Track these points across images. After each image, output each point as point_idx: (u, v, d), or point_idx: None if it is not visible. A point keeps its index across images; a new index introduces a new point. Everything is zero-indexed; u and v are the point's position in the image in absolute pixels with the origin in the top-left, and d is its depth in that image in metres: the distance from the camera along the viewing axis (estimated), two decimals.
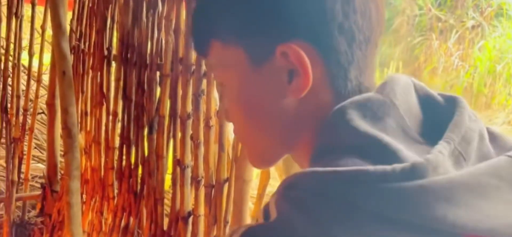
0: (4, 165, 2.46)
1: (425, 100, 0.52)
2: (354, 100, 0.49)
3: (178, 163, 1.59)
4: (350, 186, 0.42)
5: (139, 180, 1.85)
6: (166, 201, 1.77)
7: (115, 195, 2.01)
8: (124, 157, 1.94)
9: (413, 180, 0.41)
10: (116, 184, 2.01)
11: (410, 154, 0.44)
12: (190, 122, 1.54)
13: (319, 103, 0.51)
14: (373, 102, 0.48)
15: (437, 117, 0.50)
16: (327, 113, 0.49)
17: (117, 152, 1.98)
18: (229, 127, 1.43)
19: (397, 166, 0.42)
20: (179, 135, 1.59)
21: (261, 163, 0.61)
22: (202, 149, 1.51)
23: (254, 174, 1.41)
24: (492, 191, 0.43)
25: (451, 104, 0.51)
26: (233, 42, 0.53)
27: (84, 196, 2.21)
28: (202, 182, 1.52)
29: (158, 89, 1.71)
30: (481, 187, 0.43)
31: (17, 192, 2.45)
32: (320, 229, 0.41)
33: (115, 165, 1.99)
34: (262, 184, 1.31)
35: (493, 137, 0.51)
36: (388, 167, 0.42)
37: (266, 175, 1.28)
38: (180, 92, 1.58)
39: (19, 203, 2.55)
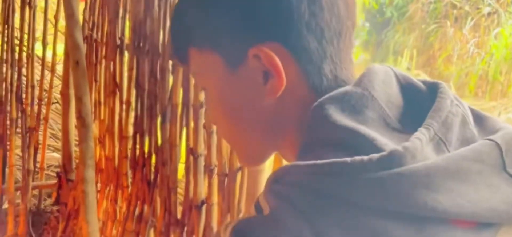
0: (20, 154, 2.49)
1: (407, 89, 0.53)
2: (332, 95, 0.50)
3: (191, 151, 1.59)
4: (329, 178, 0.43)
5: (152, 169, 1.87)
6: (179, 190, 1.78)
7: (129, 183, 2.03)
8: (137, 146, 1.95)
9: (390, 168, 0.42)
10: (130, 173, 2.02)
11: (389, 143, 0.45)
12: (202, 110, 1.54)
13: (297, 101, 0.53)
14: (350, 96, 0.49)
15: (418, 104, 0.51)
16: (306, 110, 0.51)
17: (130, 141, 1.99)
18: None
19: (374, 156, 0.42)
20: (192, 123, 1.60)
21: (250, 162, 0.65)
22: (215, 138, 1.51)
23: (267, 163, 1.41)
24: (474, 175, 0.43)
25: (433, 91, 0.51)
26: (209, 48, 0.55)
27: (98, 184, 2.24)
28: (216, 171, 1.52)
29: (171, 78, 1.71)
30: (462, 171, 0.43)
31: (33, 181, 2.49)
32: (305, 221, 0.42)
33: (129, 154, 2.00)
34: None
35: (480, 120, 0.51)
36: (365, 157, 0.42)
37: (279, 164, 1.27)
38: (192, 81, 1.58)
39: (35, 192, 2.59)
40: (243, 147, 0.60)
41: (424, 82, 0.54)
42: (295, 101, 0.53)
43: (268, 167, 1.44)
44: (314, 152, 0.48)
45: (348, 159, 0.42)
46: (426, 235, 0.41)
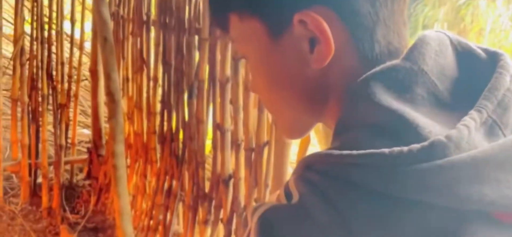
0: (52, 130, 2.56)
1: (464, 57, 0.48)
2: (378, 71, 0.46)
3: (218, 127, 1.60)
4: (365, 170, 0.40)
5: (180, 145, 1.89)
6: (207, 165, 1.80)
7: (158, 159, 2.06)
8: (165, 122, 1.97)
9: (431, 160, 0.39)
10: (158, 148, 2.05)
11: (435, 128, 0.41)
12: (229, 86, 1.54)
13: (345, 70, 0.49)
14: (398, 71, 0.45)
15: (476, 75, 0.46)
16: (354, 81, 0.47)
17: (158, 117, 2.02)
18: None
19: (415, 147, 0.39)
20: (218, 99, 1.60)
21: (291, 134, 0.60)
22: (241, 113, 1.51)
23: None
24: None
25: (493, 61, 0.47)
26: (250, 14, 0.51)
27: (128, 160, 2.28)
28: (242, 146, 1.53)
29: (197, 54, 1.71)
30: None
31: (65, 156, 2.56)
32: (337, 214, 0.39)
33: (157, 130, 2.03)
34: (302, 147, 1.30)
35: None
36: (405, 149, 0.39)
37: (306, 138, 1.27)
38: (218, 56, 1.57)
39: (68, 167, 2.67)
40: (283, 117, 0.57)
41: (485, 50, 0.48)
42: (342, 71, 0.49)
43: (294, 142, 1.43)
44: (349, 133, 0.44)
45: (386, 150, 0.39)
46: (468, 230, 0.39)
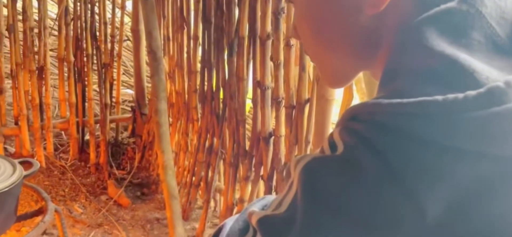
0: (97, 89, 2.64)
1: None
2: (432, 14, 0.43)
3: (259, 84, 1.59)
4: (417, 119, 0.37)
5: (221, 103, 1.90)
6: (247, 126, 1.81)
7: (199, 117, 2.09)
8: (206, 81, 1.98)
9: (488, 107, 0.36)
10: (199, 106, 2.08)
11: (492, 74, 0.38)
12: (270, 42, 1.52)
13: (399, 15, 0.46)
14: (454, 15, 0.42)
15: None
16: (406, 28, 0.44)
17: (199, 76, 2.03)
18: None
19: (471, 93, 0.37)
20: (259, 56, 1.58)
21: (334, 83, 0.57)
22: (282, 70, 1.49)
23: (337, 92, 1.38)
24: None
25: None
26: None
27: (170, 118, 2.33)
28: (283, 103, 1.51)
29: (237, 10, 1.69)
30: None
31: (110, 115, 2.64)
32: (385, 165, 0.37)
33: (198, 89, 2.05)
34: (345, 103, 1.27)
35: None
36: (460, 95, 0.37)
37: (349, 94, 1.24)
38: (259, 12, 1.54)
39: (113, 125, 2.76)
40: (328, 65, 0.54)
41: None
42: (397, 16, 0.46)
43: (338, 97, 1.40)
44: (398, 81, 0.42)
45: (440, 98, 0.37)
46: None
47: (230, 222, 0.54)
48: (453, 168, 0.37)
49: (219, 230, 0.54)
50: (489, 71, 0.39)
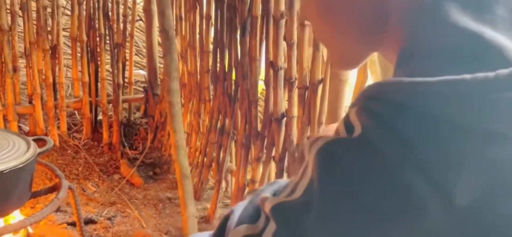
0: (110, 69, 2.64)
1: None
2: None
3: (271, 64, 1.57)
4: (441, 99, 0.35)
5: (233, 83, 1.89)
6: (259, 107, 1.80)
7: (211, 97, 2.08)
8: (218, 61, 1.97)
9: None
10: (211, 87, 2.07)
11: None
12: (283, 21, 1.50)
13: None
14: None
15: None
16: (423, 2, 0.41)
17: (211, 56, 2.02)
18: None
19: (502, 72, 0.34)
20: (272, 36, 1.56)
21: (344, 64, 0.55)
22: (295, 50, 1.47)
23: (351, 73, 1.36)
24: None
25: None
26: None
27: (182, 99, 2.33)
28: (296, 84, 1.50)
29: None
30: None
31: (122, 95, 2.65)
32: (406, 149, 0.35)
33: (210, 69, 2.04)
34: (359, 84, 1.25)
35: None
36: (490, 74, 0.34)
37: (363, 74, 1.22)
38: None
39: (125, 105, 2.77)
40: (337, 46, 0.52)
41: None
42: None
43: (351, 78, 1.38)
44: (418, 60, 0.39)
45: (468, 76, 0.34)
46: None
47: (239, 209, 0.52)
48: (482, 151, 0.34)
49: (227, 217, 0.52)
50: None
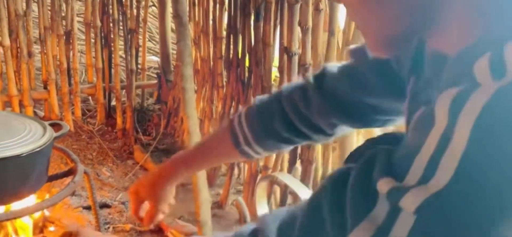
0: (124, 55, 2.65)
1: None
2: None
3: (286, 50, 1.56)
4: None
5: (246, 69, 1.88)
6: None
7: (224, 84, 2.08)
8: (231, 47, 1.96)
9: None
10: (224, 73, 2.07)
11: None
12: (298, 6, 1.48)
13: None
14: None
15: None
16: None
17: (224, 42, 2.01)
18: (341, 10, 1.35)
19: None
20: (286, 21, 1.55)
21: (381, 47, 0.47)
22: (310, 35, 1.46)
23: None
24: None
25: None
26: None
27: (195, 85, 2.33)
28: (310, 70, 1.49)
29: None
30: None
31: (136, 81, 2.66)
32: None
33: (223, 55, 2.03)
34: None
35: None
36: None
37: None
38: None
39: (139, 91, 2.78)
40: (374, 29, 0.45)
41: None
42: None
43: None
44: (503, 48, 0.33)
45: None
46: None
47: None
48: None
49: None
50: None
